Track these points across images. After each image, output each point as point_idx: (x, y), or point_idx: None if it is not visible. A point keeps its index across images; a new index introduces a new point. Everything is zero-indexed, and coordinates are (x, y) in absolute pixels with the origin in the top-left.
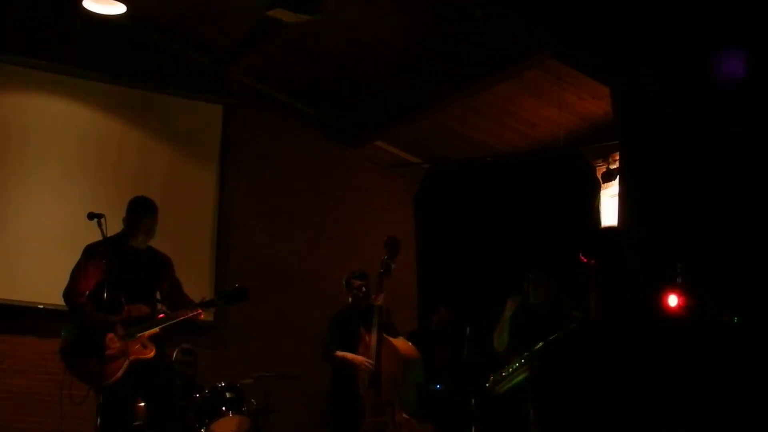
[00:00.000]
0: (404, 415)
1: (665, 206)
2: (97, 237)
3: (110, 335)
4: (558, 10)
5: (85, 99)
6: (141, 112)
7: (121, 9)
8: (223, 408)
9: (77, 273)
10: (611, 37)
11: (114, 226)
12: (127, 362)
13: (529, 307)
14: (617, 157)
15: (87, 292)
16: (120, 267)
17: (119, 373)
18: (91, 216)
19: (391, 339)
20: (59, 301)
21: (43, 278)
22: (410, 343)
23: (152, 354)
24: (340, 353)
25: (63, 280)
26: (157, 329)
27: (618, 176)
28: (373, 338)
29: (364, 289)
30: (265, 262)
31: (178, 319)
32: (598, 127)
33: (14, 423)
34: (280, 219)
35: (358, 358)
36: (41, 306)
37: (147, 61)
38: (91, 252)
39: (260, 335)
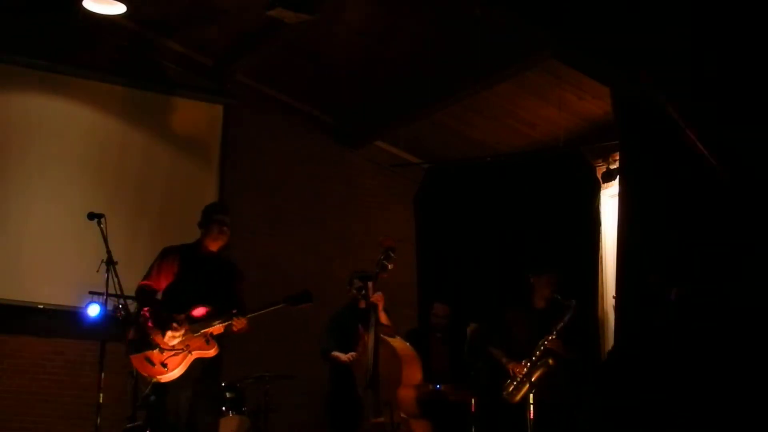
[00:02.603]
0: (402, 415)
1: (665, 206)
2: (97, 237)
3: (173, 327)
4: (558, 10)
5: (86, 99)
6: (141, 112)
7: (121, 9)
8: (223, 408)
9: (150, 271)
10: (611, 38)
11: (114, 226)
12: (190, 357)
13: (532, 310)
14: (617, 157)
15: (158, 291)
16: (192, 270)
17: (182, 367)
18: (91, 216)
19: (388, 339)
20: (59, 301)
21: (43, 278)
22: (408, 343)
23: (215, 352)
24: (333, 354)
25: (63, 280)
26: (221, 328)
27: (618, 176)
28: (371, 339)
29: (363, 291)
30: (265, 262)
31: (244, 317)
32: (598, 127)
33: (14, 423)
34: (280, 219)
35: (346, 356)
36: (41, 306)
37: (147, 61)
38: (166, 253)
39: (260, 335)
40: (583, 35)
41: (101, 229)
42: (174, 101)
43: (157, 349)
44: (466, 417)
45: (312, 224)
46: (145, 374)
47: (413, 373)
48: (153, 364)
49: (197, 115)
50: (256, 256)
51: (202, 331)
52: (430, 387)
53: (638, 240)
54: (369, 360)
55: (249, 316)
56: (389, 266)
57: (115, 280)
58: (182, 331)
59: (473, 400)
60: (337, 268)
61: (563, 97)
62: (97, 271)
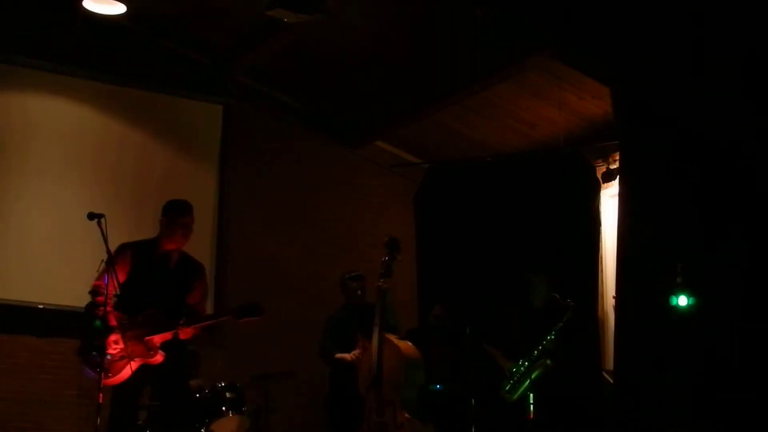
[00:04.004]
0: (405, 415)
1: (665, 206)
2: (97, 237)
3: (115, 335)
4: (558, 10)
5: (85, 99)
6: (141, 112)
7: (121, 9)
8: (223, 408)
9: (103, 271)
10: (611, 37)
11: (114, 226)
12: (132, 364)
13: (531, 309)
14: (617, 157)
15: (111, 291)
16: (147, 269)
17: (124, 374)
18: (91, 216)
19: (393, 339)
20: (59, 301)
21: (43, 278)
22: (411, 344)
23: (159, 359)
24: (338, 355)
25: (63, 280)
26: (168, 335)
27: (618, 176)
28: (375, 338)
29: (359, 291)
30: (265, 262)
31: (187, 327)
32: (598, 127)
33: (14, 423)
34: (280, 219)
35: (350, 355)
36: (41, 306)
37: (147, 61)
38: (120, 251)
39: (260, 335)
40: (583, 35)
41: (101, 229)
42: (174, 101)
43: (99, 354)
44: (466, 417)
45: (312, 224)
46: (91, 378)
47: (417, 374)
48: (97, 368)
49: (197, 115)
50: (256, 256)
51: (145, 338)
52: (430, 387)
53: (638, 240)
54: (373, 360)
55: (195, 326)
56: (393, 267)
57: (116, 280)
58: (124, 337)
59: (473, 400)
60: (337, 268)
61: (563, 97)
62: (98, 271)
